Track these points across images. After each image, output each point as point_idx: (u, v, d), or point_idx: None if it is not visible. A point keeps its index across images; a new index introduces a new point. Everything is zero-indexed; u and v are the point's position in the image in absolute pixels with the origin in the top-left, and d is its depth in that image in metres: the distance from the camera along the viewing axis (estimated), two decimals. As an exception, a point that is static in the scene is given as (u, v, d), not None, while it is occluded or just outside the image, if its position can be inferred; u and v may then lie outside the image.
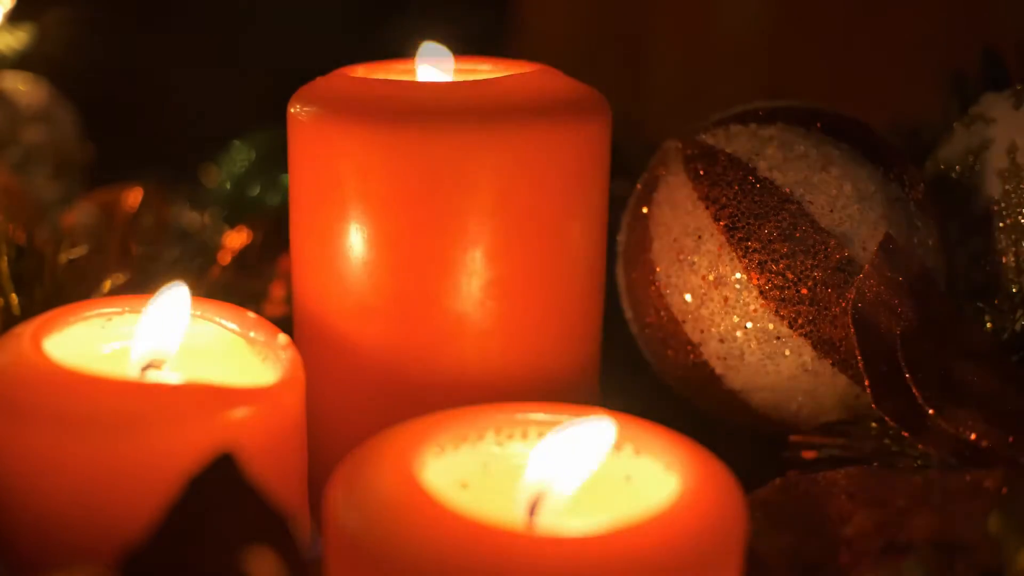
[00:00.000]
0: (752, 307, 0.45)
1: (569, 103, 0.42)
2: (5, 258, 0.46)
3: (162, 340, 0.39)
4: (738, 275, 0.45)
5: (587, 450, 0.33)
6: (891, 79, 1.03)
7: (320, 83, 0.43)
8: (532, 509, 0.33)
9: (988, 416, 0.39)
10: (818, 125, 0.47)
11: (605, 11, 1.26)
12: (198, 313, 0.40)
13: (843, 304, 0.44)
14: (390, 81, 0.42)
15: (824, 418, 0.46)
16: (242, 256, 0.59)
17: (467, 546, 0.28)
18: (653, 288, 0.47)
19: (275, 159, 0.69)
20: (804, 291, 0.44)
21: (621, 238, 0.50)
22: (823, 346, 0.45)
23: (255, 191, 0.69)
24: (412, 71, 0.47)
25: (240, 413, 0.34)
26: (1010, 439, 0.38)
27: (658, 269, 0.47)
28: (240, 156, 0.71)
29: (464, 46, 0.49)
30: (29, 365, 0.35)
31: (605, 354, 0.46)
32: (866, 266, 0.43)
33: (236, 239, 0.60)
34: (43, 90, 0.72)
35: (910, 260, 0.44)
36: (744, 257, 0.45)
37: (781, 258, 0.44)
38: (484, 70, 0.46)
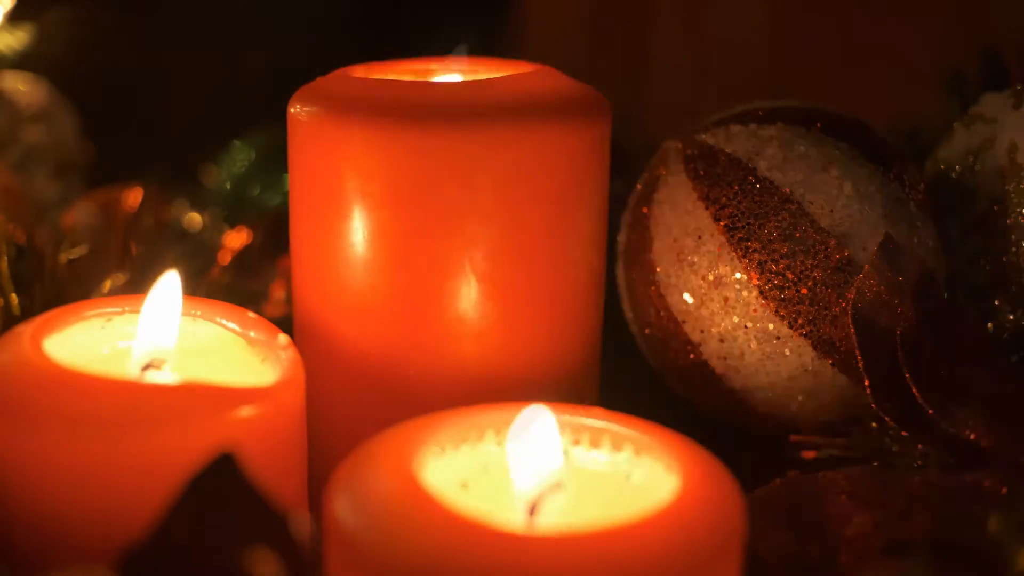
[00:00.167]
0: (752, 307, 0.45)
1: (569, 103, 0.42)
2: (5, 258, 0.46)
3: (160, 334, 0.39)
4: (738, 275, 0.45)
5: (545, 442, 0.33)
6: (891, 79, 1.03)
7: (320, 83, 0.43)
8: (532, 509, 0.33)
9: (988, 416, 0.39)
10: (818, 125, 0.47)
11: (605, 11, 1.26)
12: (198, 313, 0.40)
13: (843, 304, 0.44)
14: (390, 81, 0.42)
15: (824, 418, 0.46)
16: (242, 256, 0.59)
17: (467, 546, 0.28)
18: (653, 288, 0.47)
19: (275, 159, 0.69)
20: (804, 291, 0.44)
21: (621, 238, 0.50)
22: (823, 346, 0.45)
23: (255, 191, 0.69)
24: (412, 71, 0.47)
25: (240, 413, 0.34)
26: (1010, 439, 0.38)
27: (658, 269, 0.47)
28: (240, 156, 0.71)
29: (465, 46, 0.49)
30: (29, 365, 0.35)
31: (605, 354, 0.46)
32: (866, 266, 0.43)
33: (236, 239, 0.60)
34: (43, 90, 0.72)
35: (910, 260, 0.44)
36: (744, 257, 0.45)
37: (781, 258, 0.44)
38: (484, 70, 0.46)
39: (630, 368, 0.51)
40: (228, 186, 0.70)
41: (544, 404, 0.34)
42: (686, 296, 0.46)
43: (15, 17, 0.72)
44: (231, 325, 0.40)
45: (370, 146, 0.40)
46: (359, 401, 0.42)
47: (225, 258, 0.59)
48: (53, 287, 0.47)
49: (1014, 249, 0.47)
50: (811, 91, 0.54)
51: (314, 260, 0.42)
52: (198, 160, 0.74)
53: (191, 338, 0.40)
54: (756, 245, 0.45)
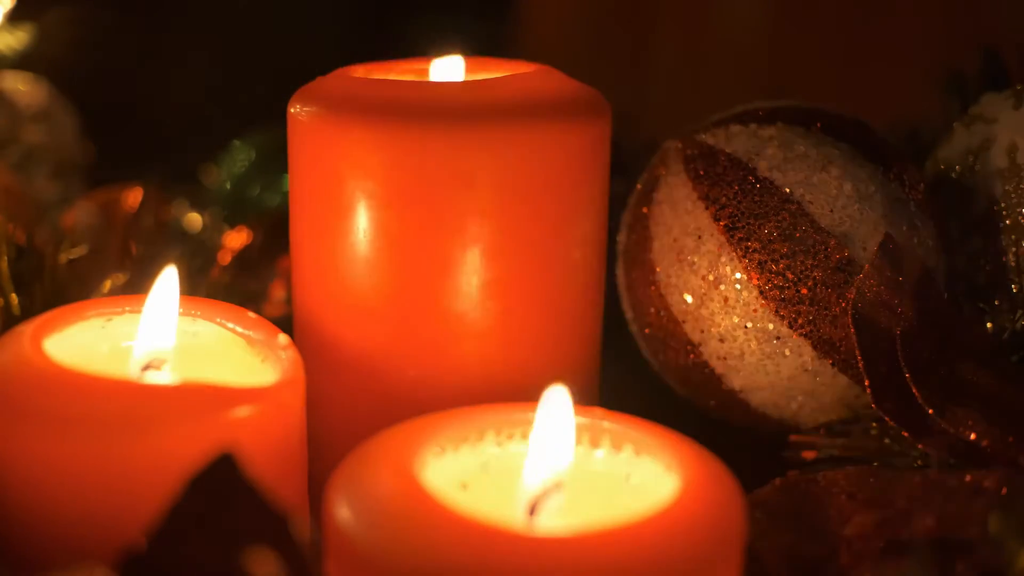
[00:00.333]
0: (752, 307, 0.45)
1: (569, 103, 0.42)
2: (5, 258, 0.46)
3: (159, 333, 0.39)
4: (738, 275, 0.45)
5: (563, 444, 0.33)
6: (891, 79, 1.03)
7: (320, 83, 0.43)
8: (532, 509, 0.33)
9: (988, 416, 0.39)
10: (818, 125, 0.47)
11: (605, 11, 1.26)
12: (198, 313, 0.40)
13: (843, 304, 0.44)
14: (390, 81, 0.42)
15: (824, 418, 0.46)
16: (242, 256, 0.59)
17: (467, 546, 0.28)
18: (653, 288, 0.47)
19: (275, 159, 0.69)
20: (804, 291, 0.44)
21: (621, 238, 0.50)
22: (823, 346, 0.45)
23: (255, 191, 0.69)
24: (412, 71, 0.47)
25: (240, 413, 0.34)
26: (1010, 439, 0.38)
27: (658, 269, 0.47)
28: (240, 156, 0.71)
29: (465, 46, 0.49)
30: (29, 365, 0.35)
31: (605, 354, 0.46)
32: (866, 266, 0.43)
33: (236, 239, 0.60)
34: (43, 90, 0.72)
35: (910, 260, 0.44)
36: (744, 257, 0.45)
37: (781, 258, 0.44)
38: (484, 70, 0.46)
39: (630, 368, 0.51)
40: (228, 186, 0.70)
41: (562, 395, 0.34)
42: (686, 296, 0.46)
43: (15, 17, 0.72)
44: (231, 325, 0.40)
45: (370, 146, 0.40)
46: (359, 401, 0.42)
47: (225, 258, 0.59)
48: (53, 287, 0.47)
49: (1014, 249, 0.47)
50: (811, 91, 0.54)
51: (314, 260, 0.42)
52: (198, 160, 0.74)
53: (191, 338, 0.40)
54: (756, 245, 0.45)
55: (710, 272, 0.45)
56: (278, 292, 0.56)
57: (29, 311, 0.46)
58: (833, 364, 0.45)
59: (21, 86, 0.71)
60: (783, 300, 0.44)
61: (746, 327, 0.45)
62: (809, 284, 0.44)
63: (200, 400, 0.34)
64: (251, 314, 0.41)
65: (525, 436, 0.34)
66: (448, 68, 0.46)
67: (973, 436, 0.38)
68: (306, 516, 0.39)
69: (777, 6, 1.19)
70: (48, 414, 0.34)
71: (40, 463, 0.34)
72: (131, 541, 0.29)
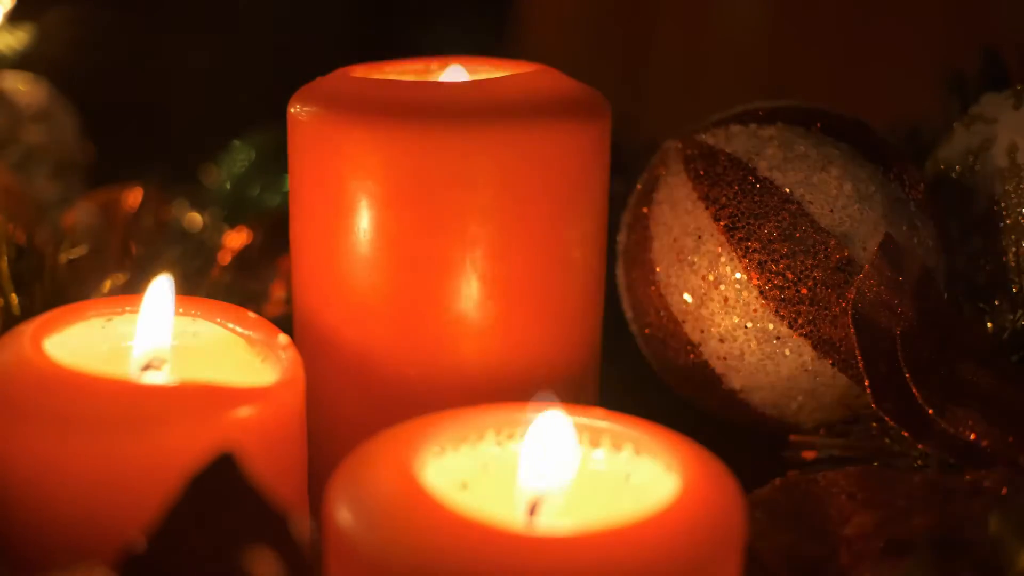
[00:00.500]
0: (752, 307, 0.45)
1: (569, 103, 0.42)
2: (5, 258, 0.46)
3: (155, 338, 0.39)
4: (738, 275, 0.45)
5: (562, 446, 0.33)
6: (891, 79, 1.03)
7: (320, 83, 0.43)
8: (532, 509, 0.33)
9: (988, 416, 0.39)
10: (818, 125, 0.47)
11: (605, 11, 1.26)
12: (198, 313, 0.40)
13: (843, 304, 0.44)
14: (390, 81, 0.42)
15: (824, 418, 0.46)
16: (242, 256, 0.59)
17: (467, 546, 0.28)
18: (653, 288, 0.47)
19: (275, 159, 0.69)
20: (804, 291, 0.44)
21: (621, 238, 0.50)
22: (823, 346, 0.45)
23: (255, 191, 0.69)
24: (412, 71, 0.47)
25: (240, 413, 0.34)
26: (1010, 439, 0.38)
27: (658, 269, 0.47)
28: (240, 156, 0.71)
29: (464, 46, 0.49)
30: (29, 365, 0.35)
31: (605, 354, 0.46)
32: (866, 266, 0.43)
33: (236, 239, 0.60)
34: (43, 90, 0.72)
35: (910, 260, 0.44)
36: (744, 257, 0.45)
37: (781, 258, 0.44)
38: (484, 70, 0.46)
39: (630, 368, 0.51)
40: (228, 186, 0.70)
41: (554, 402, 0.34)
42: (686, 296, 0.46)
43: (15, 17, 0.72)
44: (231, 325, 0.40)
45: (370, 146, 0.40)
46: (359, 401, 0.42)
47: (225, 258, 0.59)
48: (53, 287, 0.47)
49: (1014, 249, 0.47)
50: (811, 91, 0.54)
51: (314, 260, 0.42)
52: (198, 160, 0.74)
53: (191, 338, 0.40)
54: (756, 245, 0.45)
55: (710, 272, 0.45)
56: (278, 292, 0.56)
57: (29, 311, 0.46)
58: (833, 364, 0.45)
59: (21, 86, 0.71)
60: (783, 300, 0.44)
61: (746, 327, 0.45)
62: (809, 284, 0.44)
63: (200, 400, 0.34)
64: (251, 314, 0.41)
65: (525, 436, 0.34)
66: (454, 74, 0.46)
67: (973, 436, 0.38)
68: (306, 516, 0.39)
69: (777, 6, 1.19)
70: (48, 414, 0.34)
71: (40, 463, 0.34)
72: (131, 540, 0.29)
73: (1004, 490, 0.36)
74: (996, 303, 0.46)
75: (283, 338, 0.39)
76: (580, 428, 0.35)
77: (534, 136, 0.40)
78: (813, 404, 0.46)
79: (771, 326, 0.45)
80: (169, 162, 0.66)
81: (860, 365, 0.41)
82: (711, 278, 0.45)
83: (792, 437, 0.45)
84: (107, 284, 0.50)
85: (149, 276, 0.40)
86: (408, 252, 0.40)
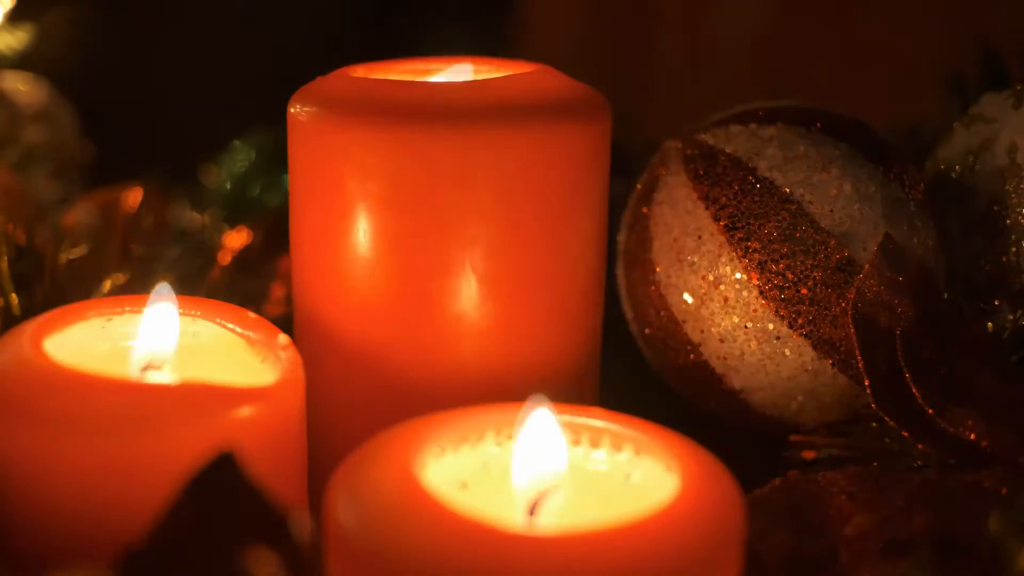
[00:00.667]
0: (752, 307, 0.45)
1: (569, 103, 0.42)
2: (5, 258, 0.46)
3: (159, 342, 0.39)
4: (738, 275, 0.45)
5: (552, 445, 0.33)
6: (891, 79, 1.03)
7: (320, 83, 0.43)
8: (532, 509, 0.33)
9: (988, 416, 0.39)
10: (818, 125, 0.47)
11: (605, 11, 1.26)
12: (198, 313, 0.40)
13: (843, 304, 0.44)
14: (390, 81, 0.42)
15: (824, 418, 0.46)
16: (242, 256, 0.59)
17: (467, 546, 0.28)
18: (653, 288, 0.47)
19: (275, 159, 0.69)
20: (804, 291, 0.44)
21: (621, 238, 0.50)
22: (823, 346, 0.45)
23: (255, 191, 0.69)
24: (412, 71, 0.47)
25: (240, 413, 0.34)
26: (1010, 439, 0.38)
27: (658, 269, 0.47)
28: (240, 156, 0.71)
29: (464, 46, 0.49)
30: (29, 365, 0.35)
31: (605, 354, 0.46)
32: (866, 266, 0.43)
33: (236, 239, 0.60)
34: (43, 90, 0.72)
35: (910, 260, 0.44)
36: (744, 257, 0.45)
37: (781, 258, 0.44)
38: (484, 70, 0.46)
39: (630, 368, 0.51)
40: (228, 186, 0.70)
41: (544, 402, 0.34)
42: (686, 296, 0.46)
43: (15, 17, 0.72)
44: (231, 325, 0.40)
45: (370, 146, 0.40)
46: (359, 401, 0.42)
47: (225, 258, 0.59)
48: (53, 287, 0.47)
49: (1014, 249, 0.47)
50: (811, 91, 0.54)
51: (314, 260, 0.42)
52: (198, 160, 0.74)
53: (191, 338, 0.40)
54: (756, 245, 0.45)
55: (710, 272, 0.45)
56: (278, 292, 0.56)
57: (29, 311, 0.46)
58: (833, 364, 0.45)
59: (21, 86, 0.71)
60: (783, 300, 0.44)
61: (746, 327, 0.45)
62: (809, 284, 0.44)
63: (200, 400, 0.34)
64: (251, 314, 0.41)
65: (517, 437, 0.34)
66: (459, 72, 0.46)
67: (973, 436, 0.38)
68: (306, 516, 0.39)
69: (777, 6, 1.19)
70: (48, 414, 0.34)
71: (40, 463, 0.34)
72: (131, 541, 0.29)
73: (1004, 490, 0.36)
74: (996, 303, 0.46)
75: (283, 338, 0.39)
76: (580, 428, 0.35)
77: (534, 136, 0.40)
78: (813, 404, 0.46)
79: (771, 326, 0.45)
80: (169, 162, 0.66)
81: (860, 365, 0.41)
82: (711, 278, 0.45)
83: (792, 437, 0.45)
84: (107, 284, 0.50)
85: (149, 276, 0.40)
86: (408, 252, 0.40)
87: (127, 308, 0.40)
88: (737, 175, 0.46)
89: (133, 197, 0.60)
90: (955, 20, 1.08)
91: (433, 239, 0.40)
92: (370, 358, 0.41)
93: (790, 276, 0.44)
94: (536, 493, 0.33)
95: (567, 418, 0.34)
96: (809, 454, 0.44)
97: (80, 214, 0.58)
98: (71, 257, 0.50)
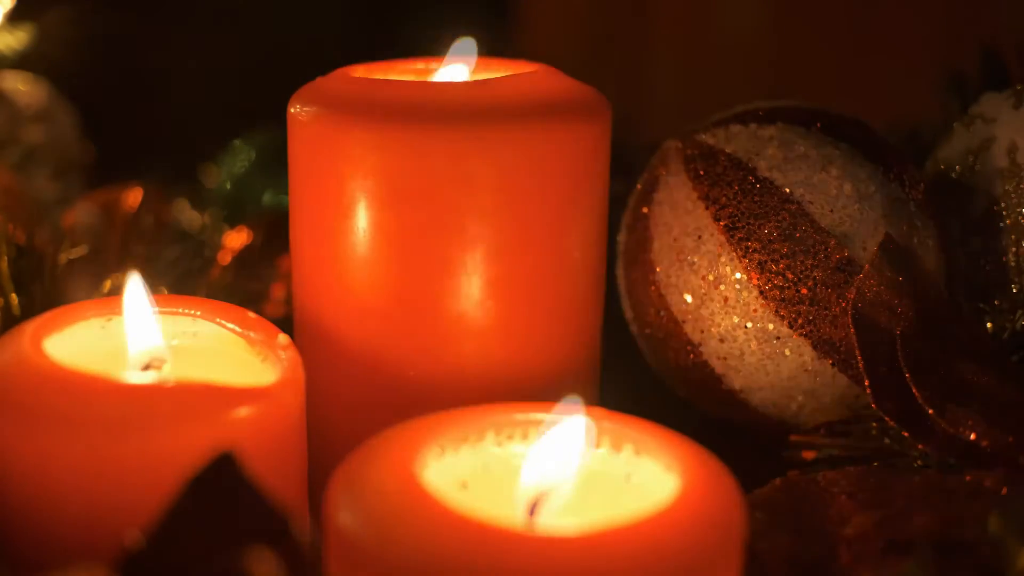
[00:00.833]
0: (752, 307, 0.45)
1: (569, 103, 0.42)
2: (5, 258, 0.46)
3: (145, 336, 0.39)
4: (738, 275, 0.45)
5: (572, 448, 0.33)
6: (891, 79, 1.03)
7: (320, 83, 0.43)
8: (532, 509, 0.33)
9: (988, 416, 0.39)
10: (818, 125, 0.47)
11: (605, 11, 1.26)
12: (198, 313, 0.40)
13: (843, 304, 0.44)
14: (390, 81, 0.42)
15: (824, 418, 0.46)
16: (242, 256, 0.59)
17: (467, 546, 0.28)
18: (653, 288, 0.47)
19: (275, 159, 0.69)
20: (804, 291, 0.44)
21: (621, 238, 0.50)
22: (823, 346, 0.45)
23: (255, 191, 0.69)
24: (412, 71, 0.47)
25: (240, 413, 0.34)
26: (1010, 439, 0.38)
27: (658, 269, 0.47)
28: (240, 156, 0.71)
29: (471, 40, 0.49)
30: (29, 365, 0.35)
31: (605, 354, 0.46)
32: (866, 266, 0.43)
33: (236, 239, 0.60)
34: (43, 90, 0.72)
35: (910, 260, 0.44)
36: (744, 257, 0.45)
37: (781, 258, 0.44)
38: (484, 70, 0.46)
39: (630, 368, 0.51)
40: (228, 186, 0.70)
41: (579, 406, 0.34)
42: (686, 296, 0.46)
43: (15, 17, 0.72)
44: (231, 325, 0.40)
45: (370, 146, 0.40)
46: (359, 401, 0.42)
47: (225, 258, 0.59)
48: (53, 287, 0.47)
49: (1014, 249, 0.47)
50: (811, 91, 0.54)
51: (314, 260, 0.42)
52: (198, 160, 0.74)
53: (191, 338, 0.40)
54: (756, 245, 0.45)
55: (710, 272, 0.45)
56: (278, 292, 0.56)
57: (29, 311, 0.46)
58: (833, 364, 0.45)
59: (21, 86, 0.71)
60: (783, 300, 0.44)
61: (746, 327, 0.45)
62: (809, 284, 0.44)
63: (200, 400, 0.34)
64: (251, 314, 0.41)
65: (525, 436, 0.34)
66: (456, 70, 0.46)
67: (973, 436, 0.38)
68: (306, 516, 0.39)
69: (777, 6, 1.19)
70: (48, 414, 0.34)
71: (40, 463, 0.34)
72: (130, 540, 0.29)
73: (1004, 490, 0.36)
74: (996, 303, 0.46)
75: (283, 338, 0.39)
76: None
77: (534, 136, 0.40)
78: (813, 404, 0.46)
79: (771, 326, 0.45)
80: (169, 162, 0.66)
81: (860, 365, 0.41)
82: (711, 278, 0.45)
83: (792, 437, 0.45)
84: (107, 284, 0.50)
85: (149, 276, 0.40)
86: (408, 252, 0.40)
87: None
88: (737, 175, 0.46)
89: (133, 197, 0.60)
90: (955, 20, 1.08)
91: (433, 239, 0.40)
92: (370, 358, 0.41)
93: (790, 276, 0.44)
94: (536, 493, 0.33)
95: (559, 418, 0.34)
96: (809, 454, 0.44)
97: (80, 214, 0.58)
98: (71, 257, 0.50)
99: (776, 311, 0.45)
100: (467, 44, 0.46)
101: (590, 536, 0.28)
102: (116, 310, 0.40)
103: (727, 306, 0.45)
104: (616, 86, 0.50)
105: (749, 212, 0.45)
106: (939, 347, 0.41)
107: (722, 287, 0.45)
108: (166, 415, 0.34)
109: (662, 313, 0.47)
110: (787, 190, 0.45)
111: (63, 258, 0.49)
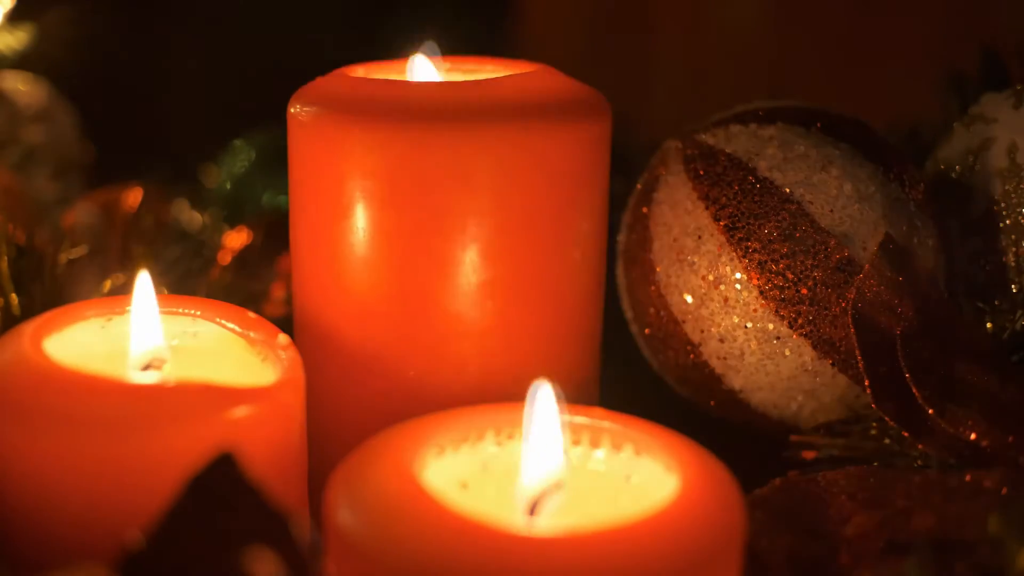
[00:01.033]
0: (752, 307, 0.45)
1: (569, 103, 0.42)
2: (5, 258, 0.46)
3: (148, 335, 0.39)
4: (738, 275, 0.45)
5: (553, 441, 0.33)
6: (891, 79, 1.03)
7: (320, 83, 0.43)
8: (532, 509, 0.33)
9: (988, 416, 0.39)
10: (818, 125, 0.47)
11: (605, 11, 1.26)
12: (198, 313, 0.40)
13: (843, 304, 0.44)
14: (389, 81, 0.42)
15: (824, 418, 0.46)
16: (242, 256, 0.59)
17: (467, 546, 0.28)
18: (653, 288, 0.47)
19: (275, 159, 0.69)
20: (804, 291, 0.44)
21: (621, 238, 0.50)
22: (823, 346, 0.45)
23: (255, 191, 0.69)
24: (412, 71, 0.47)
25: (240, 413, 0.34)
26: (1010, 439, 0.38)
27: (658, 269, 0.47)
28: (240, 156, 0.71)
29: (464, 46, 0.49)
30: (29, 365, 0.35)
31: (605, 354, 0.46)
32: (866, 266, 0.43)
33: (236, 239, 0.60)
34: (43, 90, 0.72)
35: (910, 260, 0.44)
36: (744, 257, 0.45)
37: (781, 258, 0.44)
38: (484, 70, 0.46)
39: (630, 368, 0.51)
40: (228, 186, 0.70)
41: (546, 384, 0.34)
42: (686, 296, 0.46)
43: (15, 17, 0.72)
44: (231, 325, 0.40)
45: (370, 146, 0.40)
46: (359, 401, 0.42)
47: (225, 258, 0.59)
48: (53, 287, 0.47)
49: (1014, 249, 0.47)
50: (811, 91, 0.54)
51: (314, 260, 0.42)
52: (198, 160, 0.74)
53: (191, 338, 0.40)
54: (756, 245, 0.45)
55: (710, 272, 0.45)
56: (278, 292, 0.56)
57: (29, 311, 0.46)
58: (833, 364, 0.45)
59: (21, 86, 0.71)
60: (783, 300, 0.44)
61: (746, 327, 0.45)
62: (809, 284, 0.44)
63: (200, 400, 0.34)
64: (251, 314, 0.41)
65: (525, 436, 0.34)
66: (422, 68, 0.46)
67: (973, 436, 0.38)
68: (306, 516, 0.39)
69: (777, 6, 1.19)
70: (48, 414, 0.34)
71: (40, 463, 0.34)
72: (130, 540, 0.29)
73: (1004, 490, 0.36)
74: (996, 303, 0.46)
75: (283, 338, 0.39)
76: (580, 428, 0.35)
77: (534, 136, 0.40)
78: (813, 404, 0.46)
79: (771, 326, 0.45)
80: (169, 162, 0.66)
81: (860, 365, 0.41)
82: (711, 278, 0.45)
83: (792, 437, 0.45)
84: (107, 284, 0.50)
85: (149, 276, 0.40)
86: (408, 252, 0.40)
87: (127, 308, 0.40)
88: (737, 175, 0.46)
89: (133, 197, 0.60)
90: (955, 20, 1.08)
91: (433, 239, 0.40)
92: (370, 358, 0.41)
93: (790, 276, 0.44)
94: (536, 493, 0.33)
95: (567, 418, 0.34)
96: (809, 454, 0.44)
97: (80, 214, 0.58)
98: (71, 257, 0.50)
99: (776, 311, 0.45)
100: (430, 46, 0.46)
101: (590, 536, 0.28)
102: (116, 310, 0.40)
103: (727, 306, 0.45)
104: (616, 86, 0.50)
105: (749, 212, 0.45)
106: (939, 347, 0.41)
107: (722, 287, 0.45)
108: (166, 415, 0.34)
109: (662, 313, 0.47)
110: (787, 190, 0.45)
111: (63, 258, 0.49)
